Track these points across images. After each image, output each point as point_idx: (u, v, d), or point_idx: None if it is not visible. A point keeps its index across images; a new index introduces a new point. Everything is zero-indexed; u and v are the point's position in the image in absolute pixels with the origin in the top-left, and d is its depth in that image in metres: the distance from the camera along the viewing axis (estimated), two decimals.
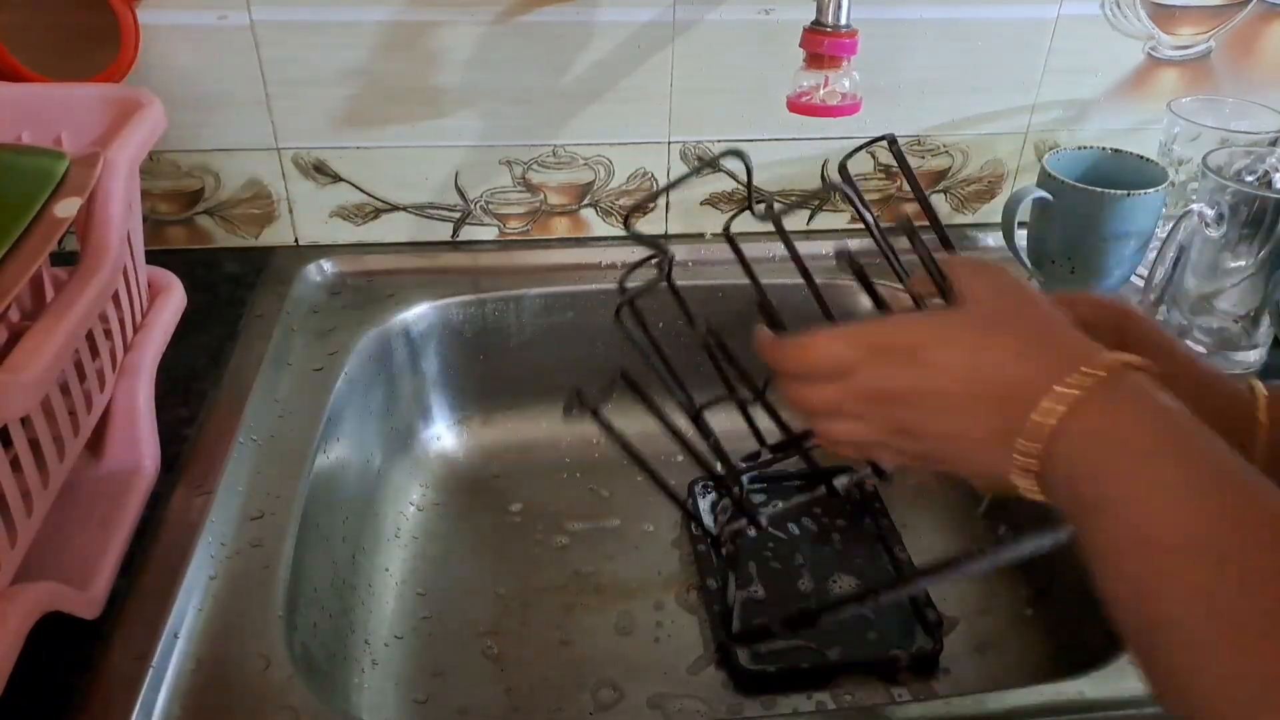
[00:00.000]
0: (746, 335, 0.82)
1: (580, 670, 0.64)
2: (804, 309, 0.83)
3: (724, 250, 0.86)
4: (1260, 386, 0.44)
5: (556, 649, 0.65)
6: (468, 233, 0.84)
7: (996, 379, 0.36)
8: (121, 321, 0.56)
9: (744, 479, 0.59)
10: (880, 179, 0.85)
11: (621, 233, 0.85)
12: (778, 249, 0.86)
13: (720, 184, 0.84)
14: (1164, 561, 0.30)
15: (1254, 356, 0.72)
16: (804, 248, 0.84)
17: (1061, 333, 0.38)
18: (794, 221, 0.86)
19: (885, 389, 0.39)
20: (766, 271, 0.83)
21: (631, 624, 0.67)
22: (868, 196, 0.86)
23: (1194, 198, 0.70)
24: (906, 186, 0.86)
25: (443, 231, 0.84)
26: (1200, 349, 0.71)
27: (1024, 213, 0.75)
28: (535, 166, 0.81)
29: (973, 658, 0.65)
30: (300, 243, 0.83)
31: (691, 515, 0.71)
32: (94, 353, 0.52)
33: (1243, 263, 0.68)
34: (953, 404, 0.37)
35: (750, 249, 0.89)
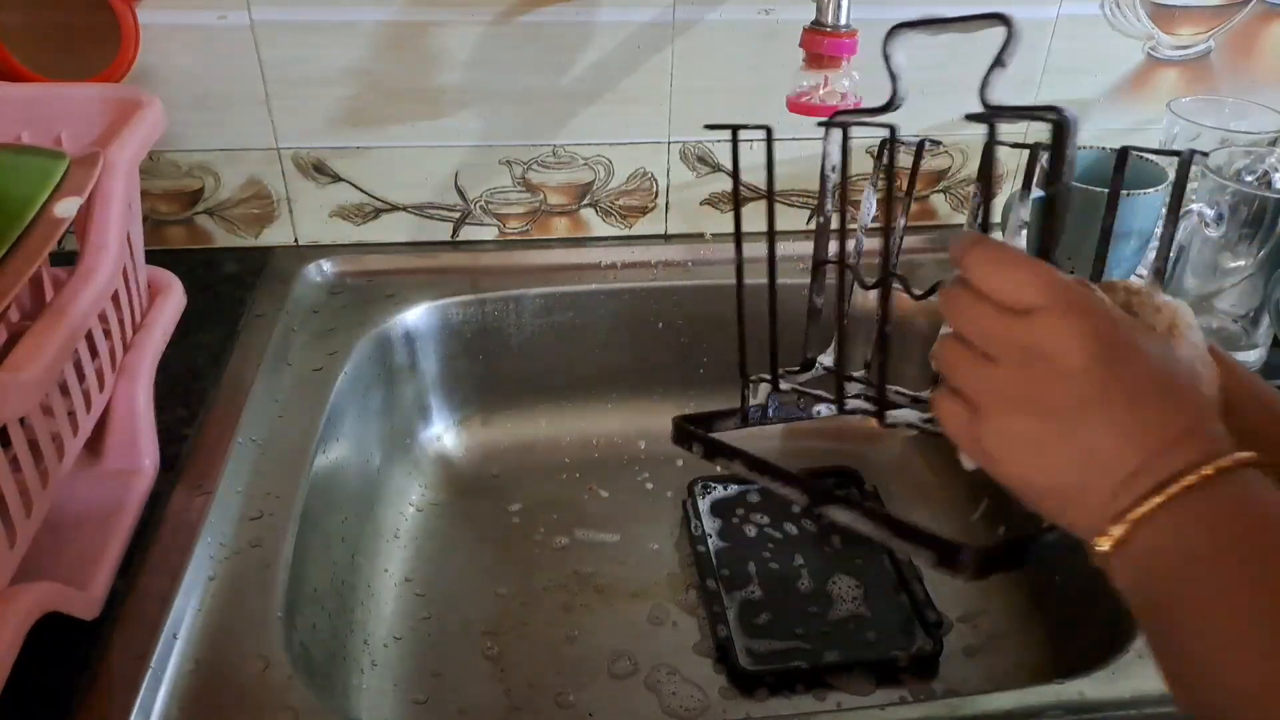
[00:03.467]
0: (745, 334, 0.82)
1: (579, 670, 0.64)
2: (802, 307, 0.83)
3: (724, 250, 0.86)
4: None
5: (556, 649, 0.65)
6: (467, 233, 0.84)
7: (1152, 429, 0.33)
8: (121, 321, 0.56)
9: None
10: (880, 179, 0.85)
11: (621, 232, 0.85)
12: (777, 249, 0.85)
13: (720, 184, 0.84)
14: (1229, 696, 0.29)
15: (1254, 356, 0.72)
16: (803, 247, 0.85)
17: (1202, 418, 0.34)
18: (794, 221, 0.86)
19: (1047, 350, 0.34)
20: (765, 271, 0.84)
21: (631, 624, 0.67)
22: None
23: (1194, 198, 0.70)
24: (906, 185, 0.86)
25: (442, 231, 0.84)
26: None
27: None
28: (535, 166, 0.81)
29: (973, 658, 0.65)
30: (300, 243, 0.83)
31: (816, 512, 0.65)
32: (93, 353, 0.52)
33: (1242, 263, 0.68)
34: (1080, 419, 0.33)
35: (749, 249, 0.89)
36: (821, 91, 0.65)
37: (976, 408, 0.36)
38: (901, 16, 0.77)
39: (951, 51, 0.79)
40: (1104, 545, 0.33)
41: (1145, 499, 0.32)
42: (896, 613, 0.67)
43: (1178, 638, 0.31)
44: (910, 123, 0.82)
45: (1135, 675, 0.50)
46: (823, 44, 0.63)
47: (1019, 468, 0.35)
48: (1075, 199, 0.72)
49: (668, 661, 0.64)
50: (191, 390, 0.65)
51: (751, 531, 0.74)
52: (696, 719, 0.61)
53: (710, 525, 0.73)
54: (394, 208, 0.82)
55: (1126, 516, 0.32)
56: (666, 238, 0.86)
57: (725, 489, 0.77)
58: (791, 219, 0.86)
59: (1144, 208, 0.72)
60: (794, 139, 0.82)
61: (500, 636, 0.66)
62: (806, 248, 0.85)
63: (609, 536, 0.74)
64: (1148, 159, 0.76)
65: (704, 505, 0.75)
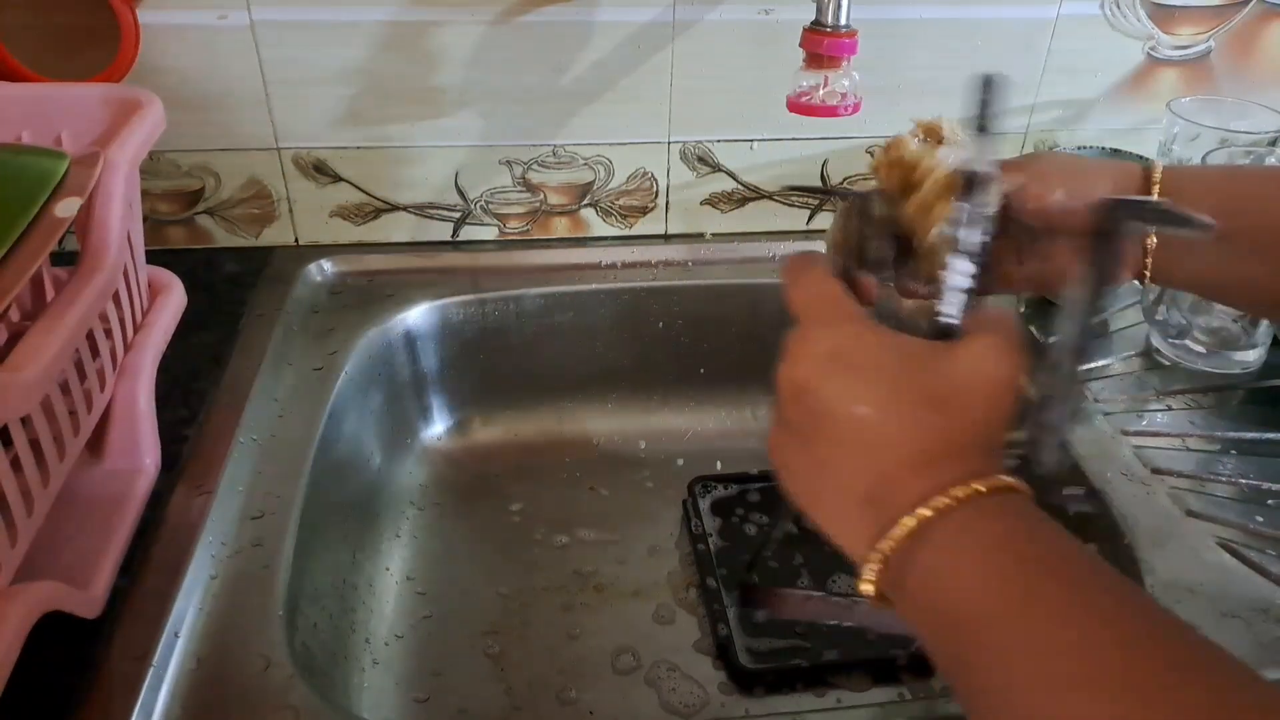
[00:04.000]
0: (745, 333, 0.82)
1: (580, 668, 0.64)
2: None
3: (724, 250, 0.87)
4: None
5: (557, 648, 0.65)
6: (468, 233, 0.84)
7: (890, 451, 0.33)
8: (122, 321, 0.56)
9: None
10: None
11: (621, 232, 0.86)
12: (777, 249, 0.86)
13: (720, 184, 0.84)
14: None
15: (1253, 356, 0.72)
16: (803, 248, 0.85)
17: (978, 444, 0.33)
18: (794, 220, 0.87)
19: (799, 382, 0.35)
20: (765, 271, 0.84)
21: (632, 623, 0.67)
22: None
23: None
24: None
25: (443, 231, 0.84)
26: (1200, 349, 0.71)
27: None
28: (535, 166, 0.81)
29: None
30: (300, 242, 0.83)
31: None
32: (94, 352, 0.52)
33: None
34: (844, 441, 0.34)
35: (749, 249, 0.89)
36: (821, 92, 0.65)
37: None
38: (901, 16, 0.78)
39: (950, 52, 0.79)
40: (884, 561, 0.32)
41: (924, 514, 0.31)
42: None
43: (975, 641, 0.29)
44: (910, 123, 0.83)
45: None
46: (823, 44, 0.63)
47: (800, 501, 0.36)
48: None
49: (668, 659, 0.65)
50: (192, 390, 0.65)
51: (752, 530, 0.74)
52: (696, 715, 0.61)
53: (710, 524, 0.73)
54: (394, 208, 0.82)
55: (905, 530, 0.31)
56: (666, 238, 0.86)
57: (726, 489, 0.77)
58: (791, 219, 0.86)
59: None
60: (794, 139, 0.83)
61: (501, 635, 0.66)
62: (807, 248, 0.85)
63: (609, 536, 0.74)
64: (1148, 159, 0.76)
65: (704, 505, 0.75)
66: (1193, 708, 0.24)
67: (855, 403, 0.34)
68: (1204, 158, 0.68)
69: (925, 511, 0.31)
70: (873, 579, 0.32)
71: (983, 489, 0.31)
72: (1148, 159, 0.52)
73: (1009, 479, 0.32)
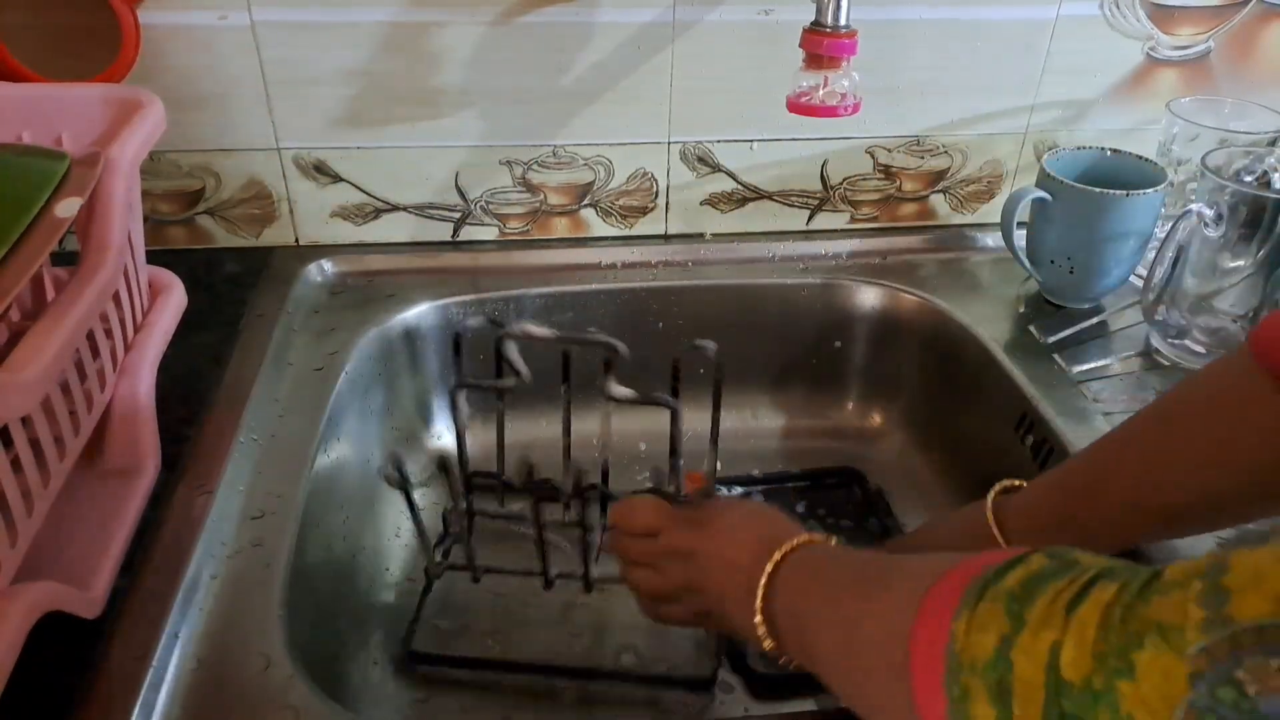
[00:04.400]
0: (745, 333, 0.82)
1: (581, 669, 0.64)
2: (802, 307, 0.83)
3: (723, 250, 0.87)
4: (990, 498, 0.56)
5: (557, 648, 0.65)
6: (468, 233, 0.84)
7: (745, 552, 0.49)
8: (122, 321, 0.56)
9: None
10: (880, 179, 0.85)
11: (621, 232, 0.86)
12: (777, 249, 0.86)
13: (720, 184, 0.84)
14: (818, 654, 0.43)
15: None
16: (803, 248, 0.85)
17: (781, 525, 0.50)
18: (793, 220, 0.87)
19: (681, 547, 0.52)
20: (765, 271, 0.84)
21: (633, 622, 0.67)
22: (866, 196, 0.86)
23: (1193, 198, 0.70)
24: (906, 186, 0.86)
25: (443, 231, 0.84)
26: (1200, 349, 0.71)
27: (1023, 213, 0.75)
28: (535, 167, 0.81)
29: None
30: (301, 243, 0.83)
31: None
32: (94, 352, 0.52)
33: (1242, 263, 0.68)
34: (723, 564, 0.50)
35: (749, 249, 0.89)
36: (821, 92, 0.65)
37: (655, 595, 0.56)
38: (901, 16, 0.78)
39: (950, 52, 0.79)
40: (760, 615, 0.47)
41: (766, 569, 0.47)
42: None
43: (810, 651, 0.44)
44: (910, 122, 0.83)
45: None
46: (823, 44, 0.63)
47: (710, 598, 0.51)
48: (1074, 199, 0.72)
49: (670, 658, 0.65)
50: (192, 390, 0.65)
51: None
52: (697, 716, 0.61)
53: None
54: (394, 208, 0.82)
55: (758, 592, 0.47)
56: (666, 238, 0.86)
57: (729, 491, 0.77)
58: (791, 219, 0.86)
59: (1143, 208, 0.72)
60: (794, 139, 0.83)
61: (501, 636, 0.66)
62: (806, 247, 0.86)
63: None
64: (1147, 160, 0.76)
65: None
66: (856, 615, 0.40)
67: (728, 521, 0.52)
68: (1203, 157, 0.68)
69: (768, 566, 0.47)
70: (760, 620, 0.47)
71: (794, 545, 0.47)
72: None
73: (808, 535, 0.48)
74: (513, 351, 0.58)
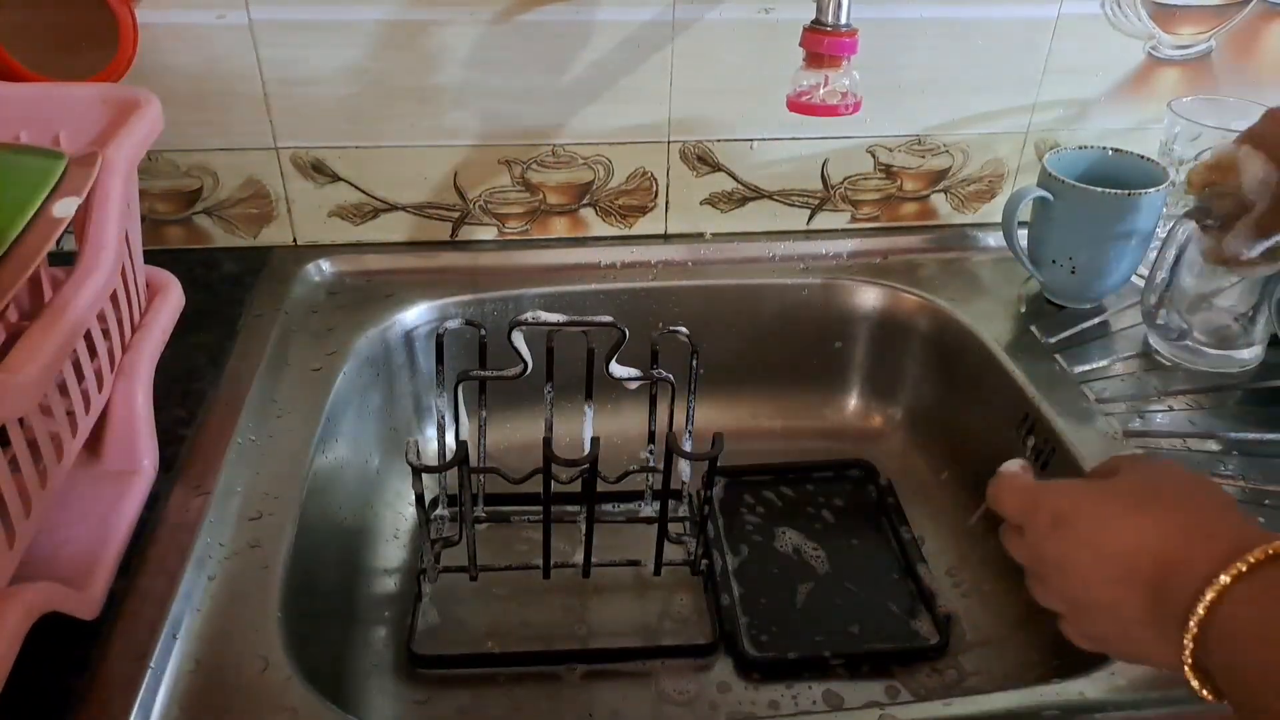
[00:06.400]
0: (745, 333, 0.82)
1: (580, 668, 0.64)
2: (803, 307, 0.83)
3: (723, 250, 0.86)
4: None
5: (557, 647, 0.65)
6: (466, 232, 0.84)
7: (1143, 559, 0.36)
8: (120, 321, 0.56)
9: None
10: (880, 178, 0.85)
11: (621, 232, 0.85)
12: (777, 249, 0.86)
13: (720, 183, 0.84)
14: None
15: (1251, 355, 0.72)
16: (803, 247, 0.85)
17: (1220, 516, 0.36)
18: (793, 220, 0.86)
19: (1040, 554, 0.41)
20: (765, 271, 0.84)
21: (635, 620, 0.67)
22: (867, 196, 0.86)
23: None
24: (907, 186, 0.86)
25: (441, 231, 0.84)
26: (1200, 348, 0.71)
27: (1024, 212, 0.75)
28: (534, 166, 0.81)
29: (973, 657, 0.65)
30: (299, 242, 0.83)
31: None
32: (92, 353, 0.52)
33: None
34: (1093, 579, 0.38)
35: (748, 249, 0.89)
36: (822, 91, 0.65)
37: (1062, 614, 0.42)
38: (901, 16, 0.78)
39: (951, 51, 0.79)
40: (1190, 653, 0.34)
41: (1208, 595, 0.33)
42: (900, 607, 0.68)
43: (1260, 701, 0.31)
44: (911, 122, 0.83)
45: (1135, 675, 0.50)
46: (823, 44, 0.63)
47: (1097, 620, 0.40)
48: (1075, 199, 0.72)
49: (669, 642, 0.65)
50: (190, 390, 0.65)
51: (753, 525, 0.74)
52: (695, 702, 0.61)
53: (712, 521, 0.73)
54: (393, 207, 0.82)
55: (1198, 618, 0.33)
56: (666, 238, 0.85)
57: (729, 491, 0.77)
58: (791, 219, 0.86)
59: (1145, 207, 0.72)
60: (794, 138, 0.82)
61: (501, 636, 0.66)
62: (807, 247, 0.86)
63: (610, 538, 0.73)
64: (1148, 159, 0.76)
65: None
66: None
67: (1082, 547, 0.38)
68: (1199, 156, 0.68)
69: (1224, 579, 0.33)
70: (1189, 661, 0.34)
71: (1271, 551, 0.33)
72: None
73: (1272, 537, 0.34)
74: (520, 340, 0.58)
